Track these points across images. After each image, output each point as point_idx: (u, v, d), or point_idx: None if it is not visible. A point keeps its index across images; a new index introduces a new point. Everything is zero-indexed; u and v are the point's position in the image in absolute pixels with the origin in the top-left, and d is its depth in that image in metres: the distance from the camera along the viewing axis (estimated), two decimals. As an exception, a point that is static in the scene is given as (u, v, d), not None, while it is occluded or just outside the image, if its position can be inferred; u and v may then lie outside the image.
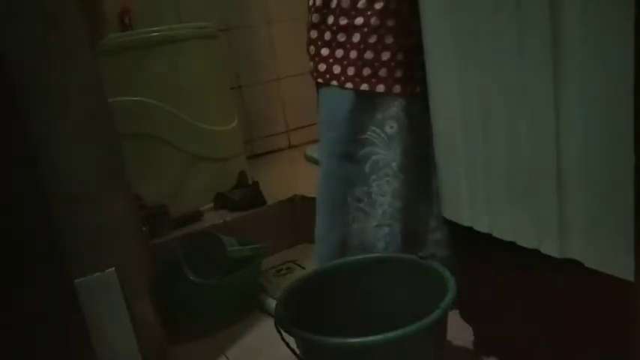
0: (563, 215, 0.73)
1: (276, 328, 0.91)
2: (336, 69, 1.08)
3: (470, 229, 0.91)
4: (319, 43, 1.10)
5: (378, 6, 1.02)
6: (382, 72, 1.04)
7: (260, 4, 2.40)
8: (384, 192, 1.09)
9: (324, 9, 1.08)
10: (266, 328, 1.25)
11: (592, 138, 0.66)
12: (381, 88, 1.05)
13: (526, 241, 0.80)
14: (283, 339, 0.92)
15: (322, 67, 1.09)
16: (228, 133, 1.92)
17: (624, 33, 0.58)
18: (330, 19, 1.07)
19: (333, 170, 1.12)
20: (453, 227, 0.97)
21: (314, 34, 1.10)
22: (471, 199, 0.90)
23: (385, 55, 1.04)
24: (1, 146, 0.84)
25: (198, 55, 1.82)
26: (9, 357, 0.88)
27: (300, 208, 1.77)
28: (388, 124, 1.06)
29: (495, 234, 0.86)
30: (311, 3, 1.10)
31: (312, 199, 1.73)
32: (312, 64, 1.12)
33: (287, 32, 2.43)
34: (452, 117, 0.89)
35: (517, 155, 0.78)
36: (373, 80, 1.05)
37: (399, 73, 1.04)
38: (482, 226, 0.88)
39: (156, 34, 1.71)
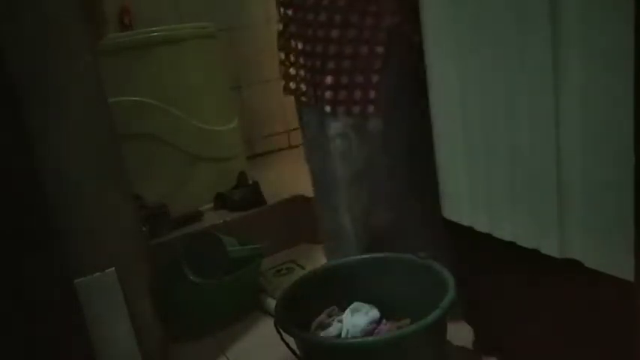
0: (563, 215, 0.73)
1: (276, 328, 0.91)
2: (302, 87, 1.15)
3: (470, 229, 0.91)
4: (287, 63, 1.19)
5: (323, 33, 1.05)
6: (328, 94, 1.07)
7: (260, 4, 2.39)
8: (342, 202, 1.15)
9: (286, 32, 1.16)
10: (266, 328, 1.25)
11: (592, 138, 0.66)
12: (327, 109, 1.09)
13: (526, 241, 0.80)
14: (283, 339, 0.92)
15: (292, 84, 1.18)
16: (228, 133, 1.92)
17: (624, 33, 0.58)
18: (293, 43, 1.14)
19: (313, 175, 1.25)
20: (453, 227, 0.97)
21: (281, 55, 1.20)
22: (471, 199, 0.90)
23: (329, 79, 1.06)
24: (1, 146, 0.84)
25: (198, 55, 1.82)
26: (9, 357, 0.88)
27: (301, 208, 1.77)
28: (338, 140, 1.10)
29: (495, 234, 0.86)
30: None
31: (313, 199, 1.73)
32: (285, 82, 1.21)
33: (287, 32, 2.42)
34: (452, 117, 0.90)
35: (517, 155, 0.78)
36: (323, 101, 1.09)
37: (341, 96, 1.07)
38: (482, 226, 0.88)
39: (156, 34, 1.71)
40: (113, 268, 0.97)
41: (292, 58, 1.16)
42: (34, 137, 0.89)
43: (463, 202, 0.91)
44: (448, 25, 0.85)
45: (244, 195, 1.75)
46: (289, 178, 2.09)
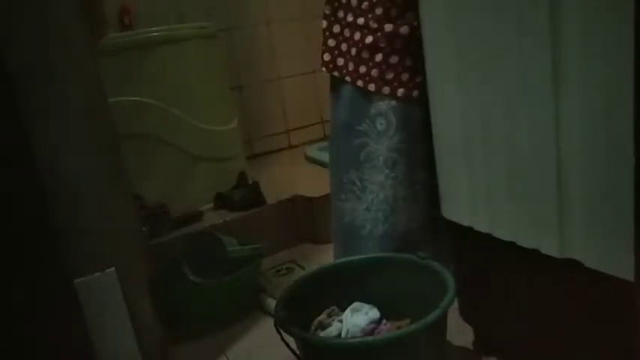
0: (563, 215, 0.73)
1: (276, 328, 0.91)
2: (340, 61, 1.14)
3: (470, 229, 0.91)
4: (327, 33, 1.16)
5: (378, 10, 1.05)
6: (374, 72, 1.08)
7: (260, 4, 2.39)
8: (373, 181, 1.14)
9: (336, 2, 1.14)
10: (266, 328, 1.25)
11: (592, 138, 0.66)
12: (372, 87, 1.09)
13: (526, 241, 0.80)
14: (283, 339, 0.92)
15: (327, 56, 1.17)
16: (228, 133, 1.92)
17: (624, 33, 0.58)
18: (341, 13, 1.13)
19: (335, 151, 1.22)
20: (453, 227, 0.97)
21: (324, 24, 1.17)
22: (471, 199, 0.90)
23: (378, 57, 1.07)
24: (1, 146, 0.84)
25: (198, 55, 1.82)
26: (9, 357, 0.88)
27: (301, 208, 1.77)
28: (379, 120, 1.10)
29: (495, 234, 0.86)
30: None
31: (312, 199, 1.74)
32: (321, 52, 1.19)
33: (287, 32, 2.42)
34: (452, 117, 0.90)
35: (517, 155, 0.78)
36: (367, 78, 1.09)
37: (389, 75, 1.07)
38: (482, 226, 0.88)
39: (156, 34, 1.71)
40: (113, 268, 0.97)
41: (337, 29, 1.15)
42: (34, 137, 0.89)
43: (463, 202, 0.91)
44: (447, 24, 0.85)
45: (244, 195, 1.76)
46: (289, 178, 2.09)
